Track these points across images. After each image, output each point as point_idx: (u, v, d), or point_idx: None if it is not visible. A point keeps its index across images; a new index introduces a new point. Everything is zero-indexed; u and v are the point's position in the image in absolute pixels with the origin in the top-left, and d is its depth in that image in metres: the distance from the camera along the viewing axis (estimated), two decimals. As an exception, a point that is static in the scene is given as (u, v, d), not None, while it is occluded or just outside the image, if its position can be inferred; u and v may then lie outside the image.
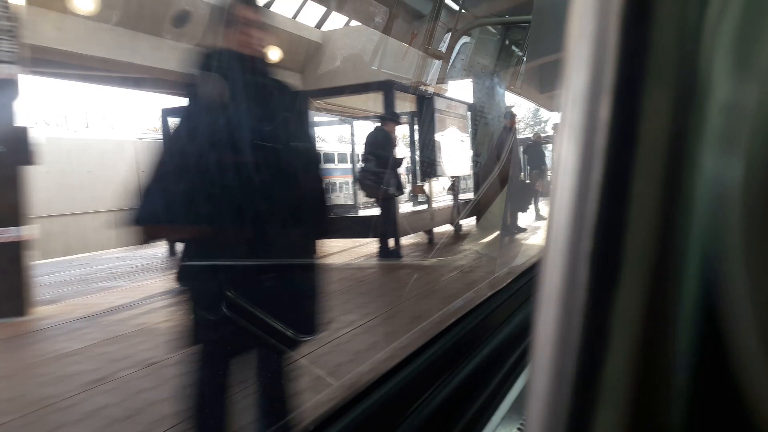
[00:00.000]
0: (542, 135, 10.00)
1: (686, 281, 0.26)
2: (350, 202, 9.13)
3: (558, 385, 0.28)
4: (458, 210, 7.10)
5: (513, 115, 7.44)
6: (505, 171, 7.03)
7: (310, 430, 0.75)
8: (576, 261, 0.27)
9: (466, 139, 7.38)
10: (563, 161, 0.28)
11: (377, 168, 5.12)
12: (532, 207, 8.64)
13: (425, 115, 6.26)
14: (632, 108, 0.26)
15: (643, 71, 0.26)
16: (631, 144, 0.26)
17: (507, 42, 8.26)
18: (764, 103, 0.24)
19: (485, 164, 7.86)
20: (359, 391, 0.80)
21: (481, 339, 1.11)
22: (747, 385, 0.26)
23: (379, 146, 5.13)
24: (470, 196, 8.55)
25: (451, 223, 7.10)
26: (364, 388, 0.81)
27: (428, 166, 6.30)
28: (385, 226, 5.30)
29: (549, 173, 10.82)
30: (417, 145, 6.50)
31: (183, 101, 1.45)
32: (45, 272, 5.50)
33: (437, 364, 0.96)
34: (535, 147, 9.47)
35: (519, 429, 0.84)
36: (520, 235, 6.93)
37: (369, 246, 5.87)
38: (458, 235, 7.12)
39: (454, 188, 7.25)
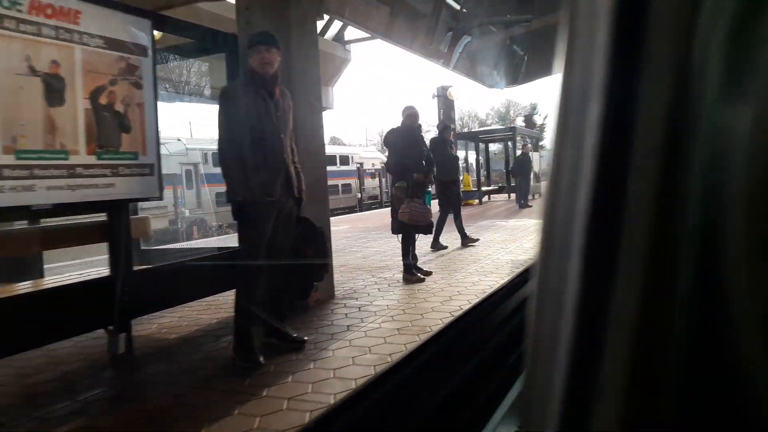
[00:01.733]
0: (417, 114, 5.19)
1: (681, 278, 0.26)
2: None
3: (555, 381, 0.28)
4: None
5: (269, 41, 2.95)
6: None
7: (310, 428, 0.74)
8: (571, 258, 0.27)
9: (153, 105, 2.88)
10: (558, 159, 0.28)
11: None
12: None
13: None
14: (627, 107, 0.26)
15: (637, 70, 0.26)
16: (626, 142, 0.26)
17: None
18: (758, 103, 0.24)
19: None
20: (356, 391, 0.75)
21: (479, 338, 1.04)
22: (745, 380, 0.25)
23: None
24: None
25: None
26: (361, 388, 0.76)
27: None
28: None
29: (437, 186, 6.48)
30: None
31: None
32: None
33: (435, 364, 0.90)
34: (406, 135, 4.94)
35: (518, 430, 0.76)
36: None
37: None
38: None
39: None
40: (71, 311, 2.50)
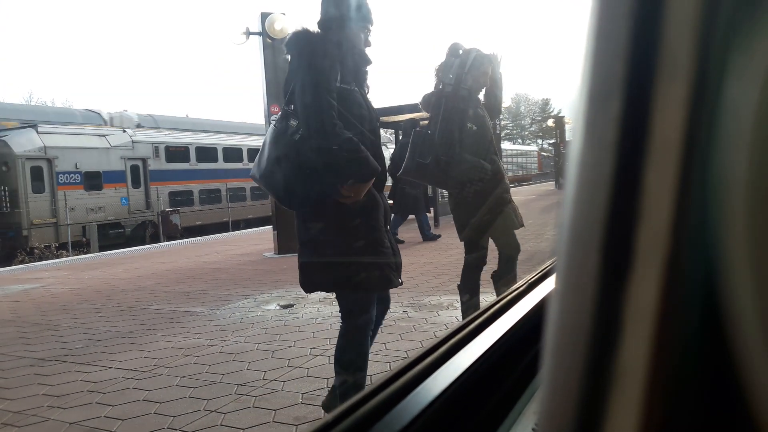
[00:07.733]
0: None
1: (697, 274, 0.27)
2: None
3: (572, 375, 0.28)
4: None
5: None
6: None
7: (319, 429, 0.73)
8: (589, 253, 0.27)
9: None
10: (577, 154, 0.28)
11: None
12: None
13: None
14: (644, 103, 0.26)
15: (655, 67, 0.26)
16: (643, 139, 0.26)
17: None
18: None
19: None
20: (369, 390, 0.73)
21: (496, 333, 1.00)
22: (750, 378, 0.26)
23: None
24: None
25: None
26: (375, 387, 0.74)
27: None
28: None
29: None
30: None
31: None
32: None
33: (450, 362, 0.86)
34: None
35: (534, 430, 0.77)
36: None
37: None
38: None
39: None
40: None
